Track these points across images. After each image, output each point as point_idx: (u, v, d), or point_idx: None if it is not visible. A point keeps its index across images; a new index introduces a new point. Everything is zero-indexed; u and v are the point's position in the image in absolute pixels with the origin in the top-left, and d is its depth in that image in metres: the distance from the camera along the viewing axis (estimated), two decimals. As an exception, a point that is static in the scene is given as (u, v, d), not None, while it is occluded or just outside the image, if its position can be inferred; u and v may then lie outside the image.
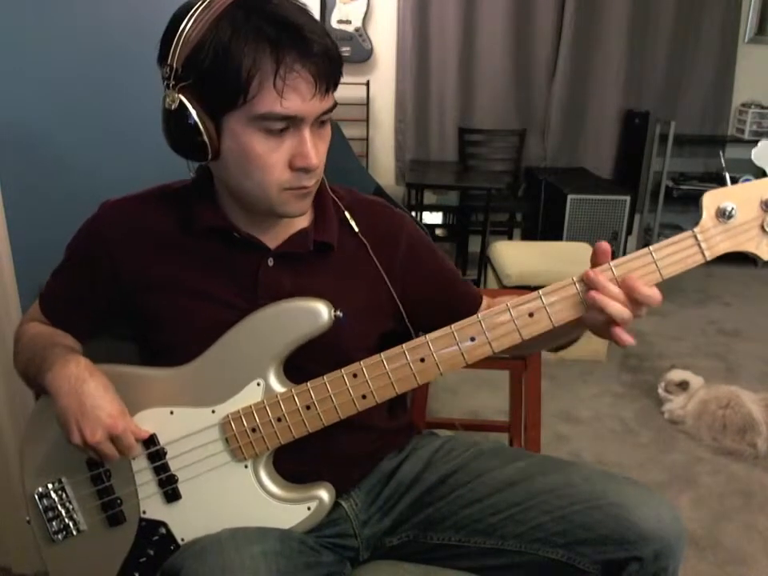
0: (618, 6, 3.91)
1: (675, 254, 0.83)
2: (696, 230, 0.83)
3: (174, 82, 0.79)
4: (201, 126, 0.80)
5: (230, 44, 0.76)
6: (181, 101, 0.79)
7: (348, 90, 3.95)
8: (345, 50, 3.90)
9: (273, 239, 0.93)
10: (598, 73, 4.06)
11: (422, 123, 4.14)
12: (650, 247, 0.83)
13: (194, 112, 0.79)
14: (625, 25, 3.94)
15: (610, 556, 0.88)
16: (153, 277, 0.93)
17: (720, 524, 1.91)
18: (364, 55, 3.95)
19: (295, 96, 0.78)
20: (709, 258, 0.82)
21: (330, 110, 0.84)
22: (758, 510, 1.98)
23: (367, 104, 4.03)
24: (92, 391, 0.85)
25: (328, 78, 0.80)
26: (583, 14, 3.93)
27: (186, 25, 0.78)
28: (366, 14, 3.89)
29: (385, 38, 4.01)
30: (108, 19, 1.83)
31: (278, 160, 0.82)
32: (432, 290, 1.02)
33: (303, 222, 0.95)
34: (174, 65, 0.79)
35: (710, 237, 0.82)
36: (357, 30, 3.90)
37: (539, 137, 4.21)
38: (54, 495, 0.93)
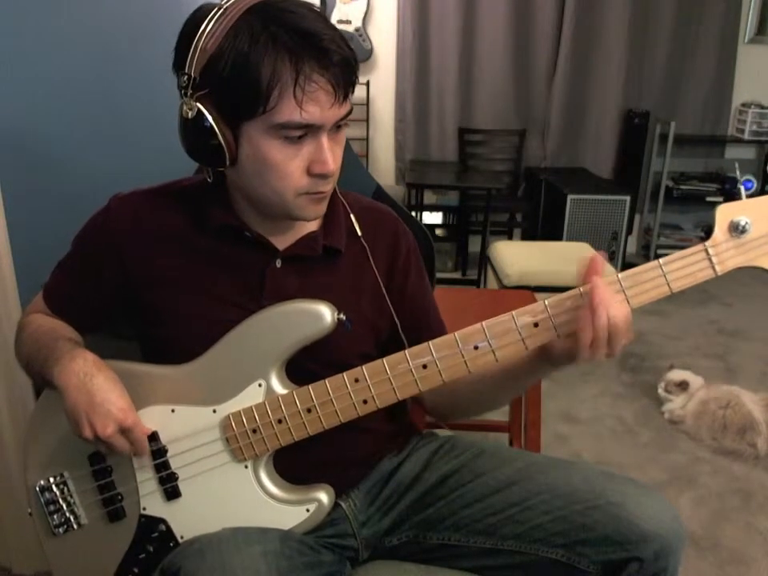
0: (618, 6, 3.91)
1: (685, 268, 0.81)
2: (707, 243, 0.80)
3: (191, 91, 0.80)
4: (219, 134, 0.80)
5: (249, 54, 0.76)
6: (199, 109, 0.79)
7: (348, 89, 3.95)
8: (345, 50, 3.90)
9: (282, 241, 0.94)
10: (598, 73, 4.06)
11: (422, 123, 4.14)
12: (660, 260, 0.81)
13: (212, 120, 0.80)
14: (625, 25, 3.94)
15: (609, 556, 0.88)
16: (159, 272, 0.93)
17: (720, 524, 1.91)
18: (364, 55, 3.95)
19: (315, 106, 0.78)
20: (720, 273, 0.80)
21: (348, 114, 0.84)
22: (758, 509, 1.98)
23: (367, 104, 4.03)
24: (101, 386, 0.85)
25: (347, 86, 0.81)
26: (583, 14, 3.93)
27: (203, 33, 0.78)
28: (366, 14, 3.90)
29: (385, 38, 4.01)
30: (108, 20, 1.83)
31: (296, 167, 0.83)
32: (409, 305, 1.02)
33: (312, 225, 0.96)
34: (192, 74, 0.79)
35: (721, 251, 0.80)
36: (357, 29, 3.90)
37: (539, 137, 4.21)
38: (55, 489, 0.93)
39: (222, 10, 0.78)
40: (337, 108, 0.81)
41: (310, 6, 0.82)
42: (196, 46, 0.78)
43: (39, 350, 0.94)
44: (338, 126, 0.84)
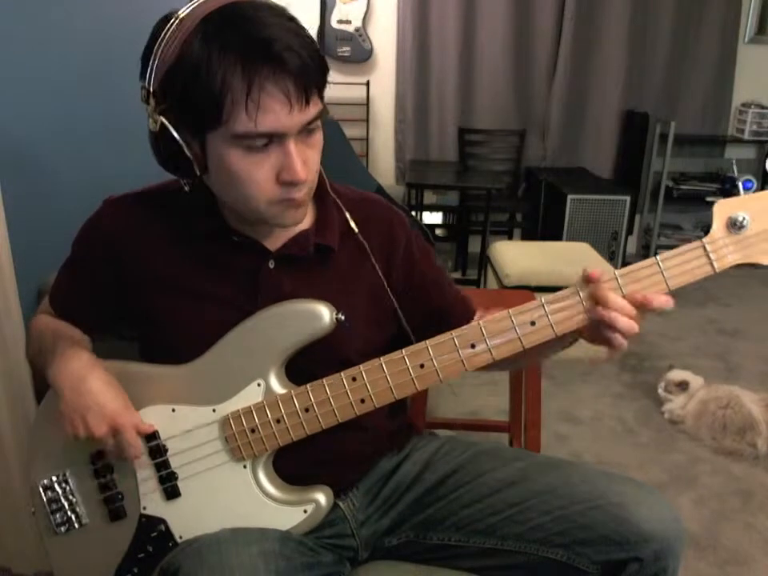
0: (618, 6, 3.91)
1: (683, 265, 0.79)
2: (705, 240, 0.79)
3: (153, 105, 0.79)
4: (185, 147, 0.79)
5: (200, 66, 0.74)
6: (162, 123, 0.78)
7: (348, 90, 3.95)
8: (345, 50, 3.90)
9: (273, 241, 0.93)
10: (598, 73, 4.06)
11: (422, 123, 4.13)
12: (658, 257, 0.80)
13: (176, 134, 0.78)
14: (625, 25, 3.94)
15: (609, 556, 0.88)
16: (154, 275, 0.93)
17: (720, 524, 1.91)
18: (364, 55, 3.95)
19: (270, 115, 0.76)
20: (718, 270, 0.79)
21: (317, 117, 0.81)
22: (758, 510, 1.98)
23: (367, 104, 4.03)
24: (94, 388, 0.85)
25: (307, 91, 0.77)
26: (583, 14, 3.93)
27: (160, 46, 0.77)
28: (366, 13, 3.89)
29: (385, 38, 4.01)
30: (108, 20, 1.84)
31: (263, 176, 0.80)
32: (423, 293, 1.01)
33: (304, 224, 0.94)
34: (151, 87, 0.78)
35: (719, 248, 0.79)
36: (357, 29, 3.90)
37: (539, 137, 4.21)
38: (57, 488, 0.93)
39: (178, 20, 0.77)
40: (298, 114, 0.77)
41: (273, 7, 0.79)
42: (154, 59, 0.77)
43: (41, 350, 0.95)
44: (309, 129, 0.81)
